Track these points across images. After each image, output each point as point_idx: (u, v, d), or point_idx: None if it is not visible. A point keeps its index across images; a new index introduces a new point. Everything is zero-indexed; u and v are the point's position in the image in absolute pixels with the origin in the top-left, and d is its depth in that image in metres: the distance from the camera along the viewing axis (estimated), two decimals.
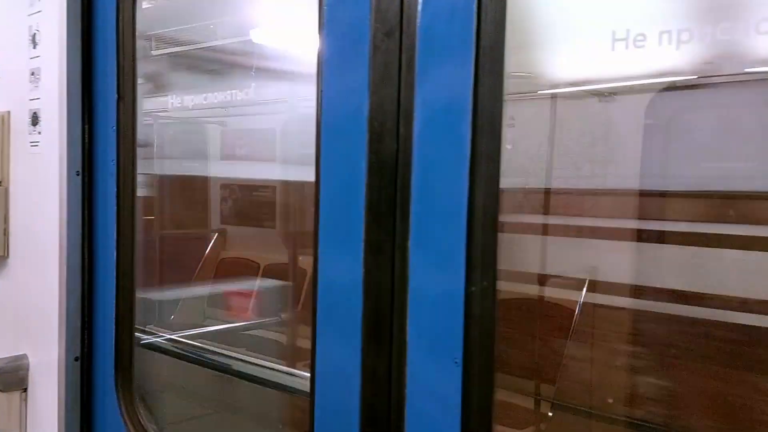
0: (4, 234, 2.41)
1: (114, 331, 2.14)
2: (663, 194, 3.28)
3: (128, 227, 2.12)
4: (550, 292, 3.65)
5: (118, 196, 2.11)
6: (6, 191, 2.40)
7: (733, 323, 2.92)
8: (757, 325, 2.86)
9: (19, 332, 2.37)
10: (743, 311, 2.90)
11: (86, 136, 2.16)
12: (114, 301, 2.14)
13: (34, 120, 2.25)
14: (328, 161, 1.50)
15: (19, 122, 2.32)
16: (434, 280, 1.34)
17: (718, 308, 2.99)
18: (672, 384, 2.99)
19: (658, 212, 3.32)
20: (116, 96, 2.08)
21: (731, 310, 2.95)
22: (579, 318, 3.36)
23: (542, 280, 3.71)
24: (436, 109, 1.32)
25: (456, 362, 1.29)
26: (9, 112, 2.37)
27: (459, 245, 1.29)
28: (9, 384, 2.32)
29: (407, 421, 1.38)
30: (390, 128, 1.39)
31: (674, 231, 3.26)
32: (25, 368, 2.34)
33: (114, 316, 2.14)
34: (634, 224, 3.35)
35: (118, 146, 2.10)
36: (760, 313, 2.85)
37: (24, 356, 2.34)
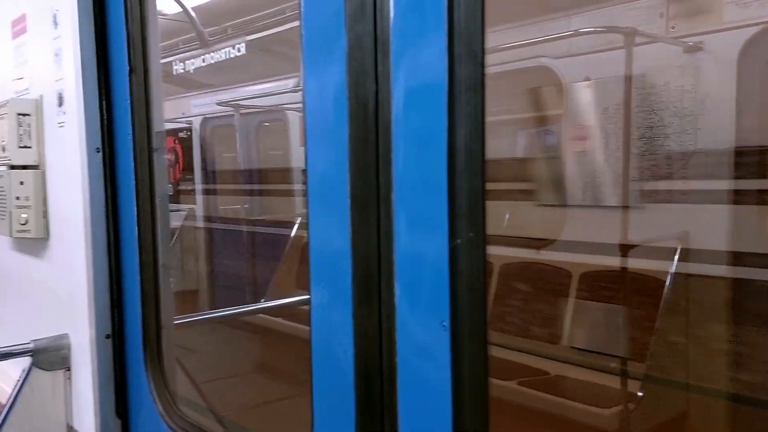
0: (44, 216, 2.45)
1: (140, 308, 2.12)
2: None
3: (147, 203, 2.08)
4: None
5: (135, 172, 2.07)
6: (43, 174, 2.44)
7: None
8: None
9: (62, 312, 2.40)
10: None
11: (104, 112, 2.13)
12: (139, 279, 2.11)
13: (60, 100, 2.25)
14: (313, 107, 1.36)
15: (49, 105, 2.34)
16: (418, 235, 1.18)
17: None
18: None
19: None
20: (128, 68, 2.03)
21: None
22: None
23: None
24: (411, 38, 1.16)
25: (443, 326, 1.13)
26: (42, 96, 2.40)
27: (440, 191, 1.12)
28: (52, 363, 2.35)
29: (399, 383, 1.23)
30: (368, 65, 1.24)
31: None
32: (67, 347, 2.37)
33: (139, 294, 2.12)
34: None
35: (132, 121, 2.05)
36: None
37: (66, 335, 2.37)
